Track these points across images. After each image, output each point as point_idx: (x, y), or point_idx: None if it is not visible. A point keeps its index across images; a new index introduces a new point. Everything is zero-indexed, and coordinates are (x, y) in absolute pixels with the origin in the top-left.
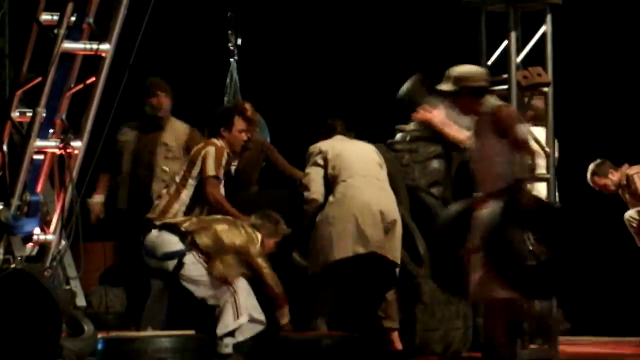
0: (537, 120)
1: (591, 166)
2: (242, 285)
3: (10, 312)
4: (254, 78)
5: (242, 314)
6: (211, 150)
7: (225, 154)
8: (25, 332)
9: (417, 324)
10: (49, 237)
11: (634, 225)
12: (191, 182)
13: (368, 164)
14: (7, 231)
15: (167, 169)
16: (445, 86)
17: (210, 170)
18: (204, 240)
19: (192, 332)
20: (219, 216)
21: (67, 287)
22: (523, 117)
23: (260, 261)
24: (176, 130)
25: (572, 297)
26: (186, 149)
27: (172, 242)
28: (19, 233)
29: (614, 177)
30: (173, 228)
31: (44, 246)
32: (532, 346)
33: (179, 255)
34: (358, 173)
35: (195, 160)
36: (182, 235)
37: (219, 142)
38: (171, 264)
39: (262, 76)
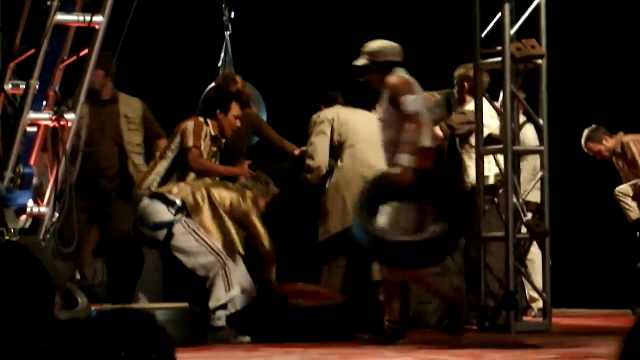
0: None
1: (586, 131)
2: (232, 256)
3: (1, 284)
4: (248, 51)
5: (233, 286)
6: (189, 124)
7: (204, 128)
8: (17, 304)
9: (411, 296)
10: (43, 209)
11: (622, 200)
12: (169, 155)
13: (372, 130)
14: (1, 204)
15: (131, 140)
16: (359, 61)
17: (189, 141)
18: (191, 199)
19: (185, 304)
20: (207, 179)
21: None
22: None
23: (253, 218)
24: (130, 103)
25: (565, 270)
26: (144, 120)
27: (161, 212)
28: (12, 205)
29: (608, 143)
30: (162, 197)
31: (37, 218)
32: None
33: (168, 225)
34: (365, 139)
35: (176, 133)
36: (171, 204)
37: (201, 119)
38: (161, 233)
39: (256, 49)
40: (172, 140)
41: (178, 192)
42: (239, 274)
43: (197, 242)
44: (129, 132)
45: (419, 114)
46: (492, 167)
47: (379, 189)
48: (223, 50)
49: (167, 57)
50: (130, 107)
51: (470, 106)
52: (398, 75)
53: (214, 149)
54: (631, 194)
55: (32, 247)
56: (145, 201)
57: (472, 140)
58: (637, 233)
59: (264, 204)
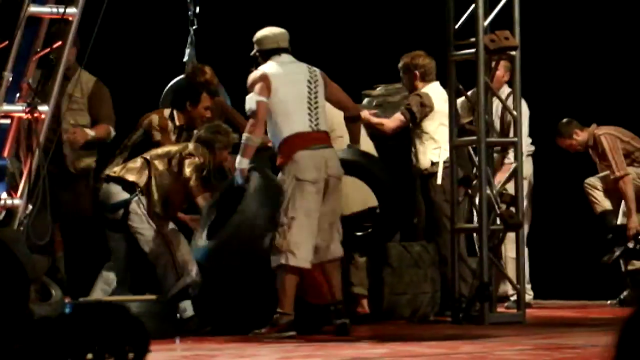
0: None
1: (558, 126)
2: (180, 241)
3: None
4: (213, 46)
5: (183, 274)
6: (154, 118)
7: (169, 122)
8: None
9: (385, 287)
10: (16, 201)
11: (590, 192)
12: (128, 147)
13: None
14: None
15: (72, 120)
16: (253, 51)
17: (156, 137)
18: (134, 175)
19: (155, 296)
20: (152, 152)
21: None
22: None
23: (192, 184)
24: (82, 82)
25: (539, 261)
26: (90, 99)
27: (118, 192)
28: None
29: (579, 137)
30: (117, 179)
31: (11, 211)
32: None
33: (125, 204)
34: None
35: (138, 127)
36: (126, 184)
37: (166, 112)
38: (120, 213)
39: (221, 44)
40: (134, 133)
41: (129, 172)
42: (189, 260)
43: (149, 224)
44: (71, 112)
45: (253, 113)
46: (442, 154)
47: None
48: (188, 45)
49: (132, 51)
50: (79, 85)
51: (425, 89)
52: (257, 71)
53: (179, 141)
54: (599, 187)
55: (8, 239)
56: (104, 186)
57: (425, 124)
58: (609, 235)
59: (227, 154)
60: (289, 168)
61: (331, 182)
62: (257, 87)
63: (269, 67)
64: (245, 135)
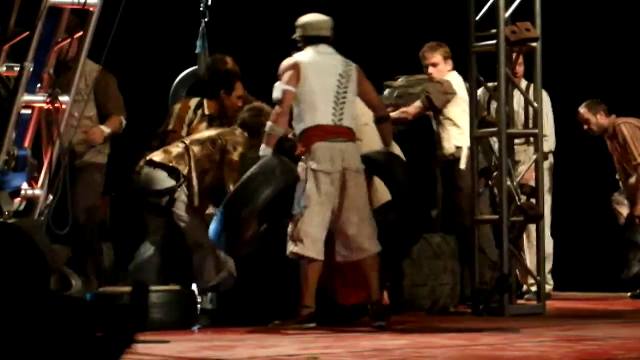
0: None
1: (587, 101)
2: None
3: None
4: (224, 39)
5: (223, 268)
6: (176, 107)
7: (189, 112)
8: (10, 286)
9: (405, 279)
10: (37, 191)
11: (616, 207)
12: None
13: None
14: None
15: (76, 113)
16: (295, 35)
17: (169, 125)
18: (178, 162)
19: (177, 287)
20: (189, 138)
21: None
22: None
23: (231, 156)
24: (85, 73)
25: (560, 253)
26: (95, 90)
27: (163, 179)
28: (6, 188)
29: (600, 119)
30: (162, 165)
31: (31, 201)
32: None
33: (170, 191)
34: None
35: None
36: (172, 171)
37: (191, 102)
38: (164, 199)
39: (232, 38)
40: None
41: (173, 158)
42: (229, 258)
43: (194, 213)
44: (75, 105)
45: (279, 101)
46: (465, 139)
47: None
48: (199, 38)
49: (143, 42)
50: (82, 75)
51: (447, 77)
52: (290, 58)
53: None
54: (625, 202)
55: (29, 229)
56: (145, 169)
57: (447, 111)
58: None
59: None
60: (305, 158)
61: (348, 174)
62: (286, 75)
63: (303, 56)
64: (269, 124)
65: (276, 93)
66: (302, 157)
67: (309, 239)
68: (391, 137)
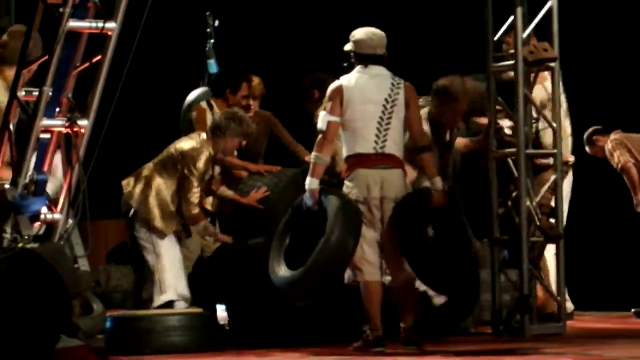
0: None
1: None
2: (171, 257)
3: (16, 292)
4: (231, 58)
5: (166, 290)
6: (192, 115)
7: (207, 115)
8: (30, 312)
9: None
10: (56, 215)
11: None
12: None
13: None
14: (15, 210)
15: None
16: (346, 46)
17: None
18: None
19: (199, 309)
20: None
21: (75, 265)
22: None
23: (193, 178)
24: None
25: (579, 272)
26: None
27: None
28: (26, 212)
29: (600, 142)
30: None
31: (51, 225)
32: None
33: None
34: None
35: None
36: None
37: (204, 105)
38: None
39: (239, 57)
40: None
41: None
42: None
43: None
44: None
45: (323, 133)
46: None
47: None
48: (207, 57)
49: (151, 64)
50: None
51: None
52: (336, 82)
53: None
54: None
55: (51, 254)
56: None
57: None
58: None
59: (239, 143)
60: (346, 185)
61: (386, 203)
62: (330, 104)
63: (349, 79)
64: (314, 154)
65: (320, 123)
66: (344, 183)
67: (365, 264)
68: (435, 169)
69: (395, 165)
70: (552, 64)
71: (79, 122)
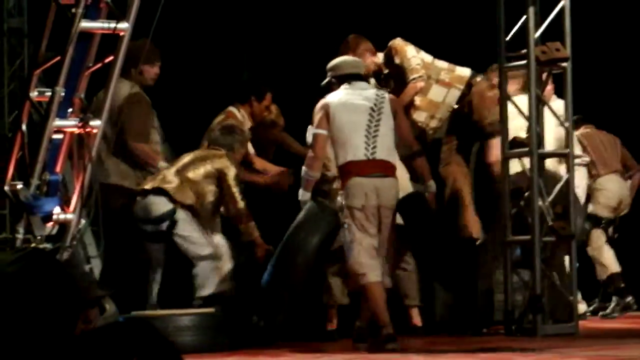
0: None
1: None
2: (225, 251)
3: (26, 292)
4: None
5: (225, 279)
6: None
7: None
8: (40, 312)
9: (437, 299)
10: (69, 216)
11: None
12: None
13: None
14: (27, 211)
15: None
16: (326, 80)
17: None
18: (179, 193)
19: (210, 310)
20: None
21: (89, 265)
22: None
23: (228, 177)
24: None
25: (592, 272)
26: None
27: (162, 204)
28: (38, 213)
29: None
30: (158, 190)
31: (64, 225)
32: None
33: (170, 214)
34: None
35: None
36: (169, 195)
37: (235, 112)
38: (165, 225)
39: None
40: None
41: (167, 185)
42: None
43: (199, 232)
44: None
45: (311, 147)
46: None
47: None
48: None
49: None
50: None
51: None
52: (322, 100)
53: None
54: None
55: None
56: (141, 199)
57: None
58: None
59: (241, 156)
60: (342, 194)
61: (382, 211)
62: (317, 118)
63: (333, 96)
64: (303, 169)
65: (309, 137)
66: (340, 192)
67: (365, 267)
68: (428, 172)
69: (388, 173)
70: (564, 64)
71: (91, 123)
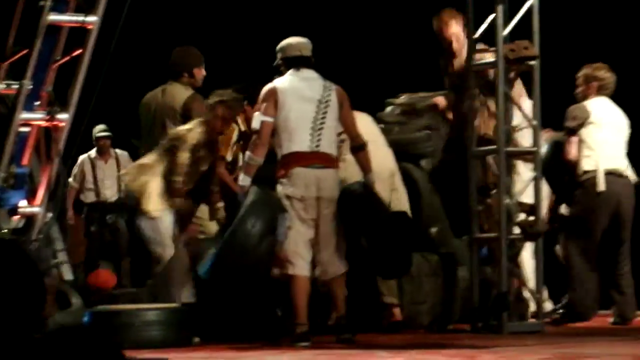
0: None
1: None
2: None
3: None
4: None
5: None
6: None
7: (235, 133)
8: (5, 302)
9: (405, 296)
10: (35, 209)
11: None
12: None
13: (374, 130)
14: None
15: None
16: (276, 61)
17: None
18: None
19: (175, 304)
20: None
21: (55, 260)
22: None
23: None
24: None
25: (559, 270)
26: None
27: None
28: (5, 205)
29: None
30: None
31: (30, 218)
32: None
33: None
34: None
35: None
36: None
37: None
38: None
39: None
40: None
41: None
42: None
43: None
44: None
45: (257, 132)
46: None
47: None
48: None
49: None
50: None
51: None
52: (269, 84)
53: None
54: None
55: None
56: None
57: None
58: None
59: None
60: (282, 183)
61: (322, 202)
62: (264, 105)
63: (282, 82)
64: (247, 154)
65: (255, 123)
66: (280, 181)
67: (297, 258)
68: (369, 165)
69: (330, 165)
70: (533, 62)
71: (59, 116)
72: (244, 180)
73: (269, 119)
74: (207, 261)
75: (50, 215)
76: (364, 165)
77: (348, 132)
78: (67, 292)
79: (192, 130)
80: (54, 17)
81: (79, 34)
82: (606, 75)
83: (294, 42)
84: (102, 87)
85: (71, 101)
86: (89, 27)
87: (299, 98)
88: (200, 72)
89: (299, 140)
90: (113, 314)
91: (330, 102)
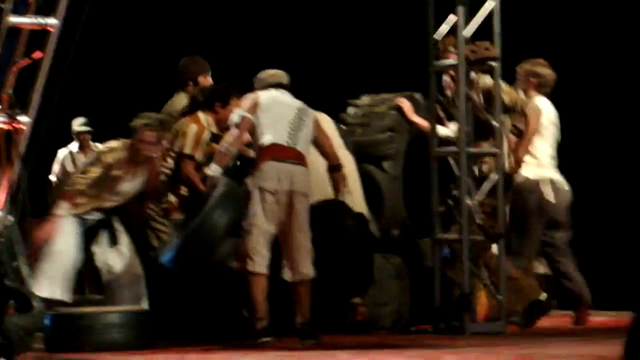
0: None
1: None
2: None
3: None
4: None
5: None
6: (192, 127)
7: (205, 132)
8: None
9: (367, 298)
10: None
11: None
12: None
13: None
14: None
15: None
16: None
17: (186, 149)
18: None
19: (136, 307)
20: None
21: (15, 263)
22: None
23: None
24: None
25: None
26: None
27: None
28: None
29: None
30: None
31: None
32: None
33: None
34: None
35: (176, 135)
36: None
37: (202, 120)
38: None
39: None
40: (173, 141)
41: None
42: None
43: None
44: None
45: (236, 126)
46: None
47: None
48: None
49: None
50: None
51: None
52: (251, 93)
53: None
54: None
55: None
56: None
57: None
58: None
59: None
60: (254, 175)
61: (295, 197)
62: (246, 103)
63: (264, 92)
64: (223, 144)
65: (235, 117)
66: (251, 173)
67: (257, 255)
68: (343, 186)
69: (303, 163)
70: (494, 63)
71: (20, 119)
72: (214, 170)
73: (249, 116)
74: (171, 250)
75: (11, 218)
76: (336, 186)
77: (325, 154)
78: (27, 294)
79: (113, 151)
80: (14, 19)
81: (39, 35)
82: (546, 72)
83: (274, 72)
84: (85, 81)
85: (32, 104)
86: (50, 29)
87: (280, 103)
88: (206, 81)
89: (277, 134)
90: (75, 316)
91: (307, 117)
